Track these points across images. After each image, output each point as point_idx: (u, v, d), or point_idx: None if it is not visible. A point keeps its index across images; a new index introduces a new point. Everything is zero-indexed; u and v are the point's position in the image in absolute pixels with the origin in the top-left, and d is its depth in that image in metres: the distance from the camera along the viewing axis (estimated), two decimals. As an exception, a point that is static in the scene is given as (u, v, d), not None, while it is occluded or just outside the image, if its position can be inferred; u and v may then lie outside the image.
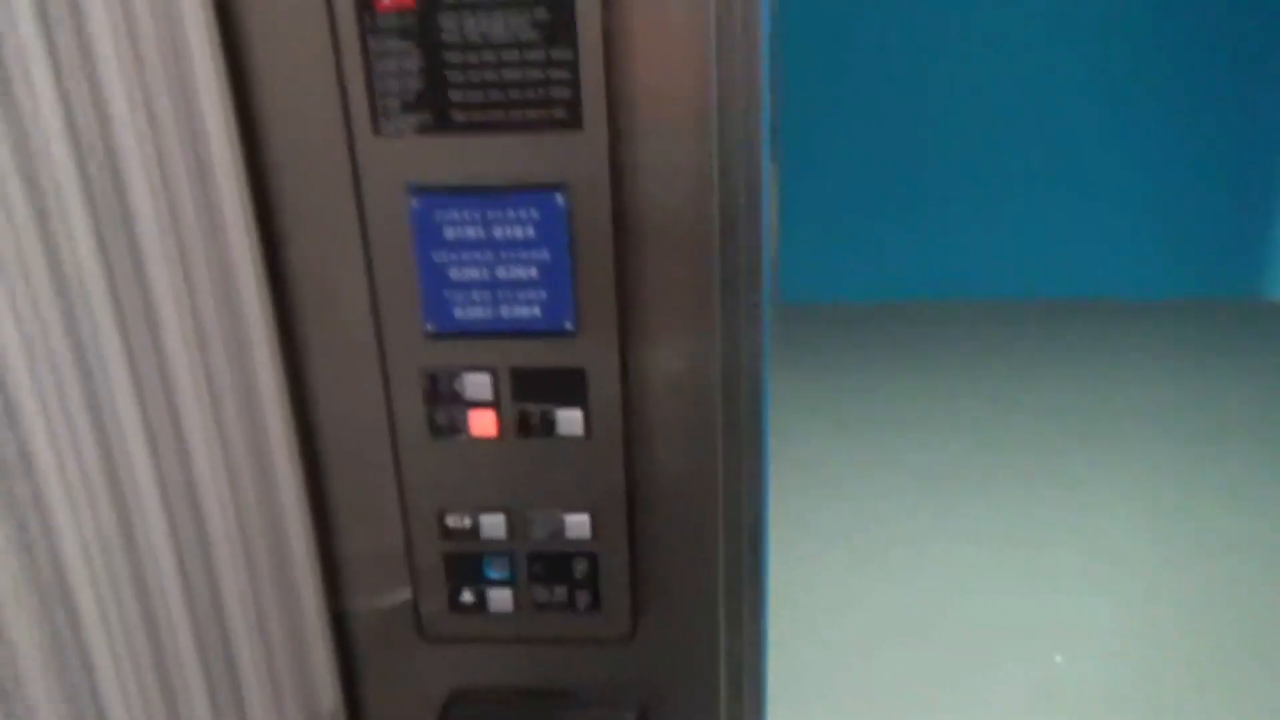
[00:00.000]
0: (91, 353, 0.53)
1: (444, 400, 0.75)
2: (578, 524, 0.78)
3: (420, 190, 0.68)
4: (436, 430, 0.75)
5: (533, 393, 0.74)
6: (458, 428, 0.75)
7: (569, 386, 0.74)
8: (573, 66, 0.65)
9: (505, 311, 0.72)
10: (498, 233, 0.69)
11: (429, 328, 0.72)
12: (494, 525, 0.78)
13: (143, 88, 0.58)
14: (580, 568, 0.79)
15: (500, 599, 0.80)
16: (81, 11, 0.51)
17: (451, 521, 0.78)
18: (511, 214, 0.69)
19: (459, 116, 0.67)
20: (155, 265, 0.59)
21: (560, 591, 0.79)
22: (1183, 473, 2.66)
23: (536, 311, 0.72)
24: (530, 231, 0.69)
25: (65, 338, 0.50)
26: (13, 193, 0.47)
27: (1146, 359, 3.35)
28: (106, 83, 0.54)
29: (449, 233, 0.69)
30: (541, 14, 0.64)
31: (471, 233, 0.69)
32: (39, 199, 0.49)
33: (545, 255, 0.70)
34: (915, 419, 2.99)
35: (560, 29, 0.64)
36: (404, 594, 0.82)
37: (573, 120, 0.67)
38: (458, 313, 0.72)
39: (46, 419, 0.48)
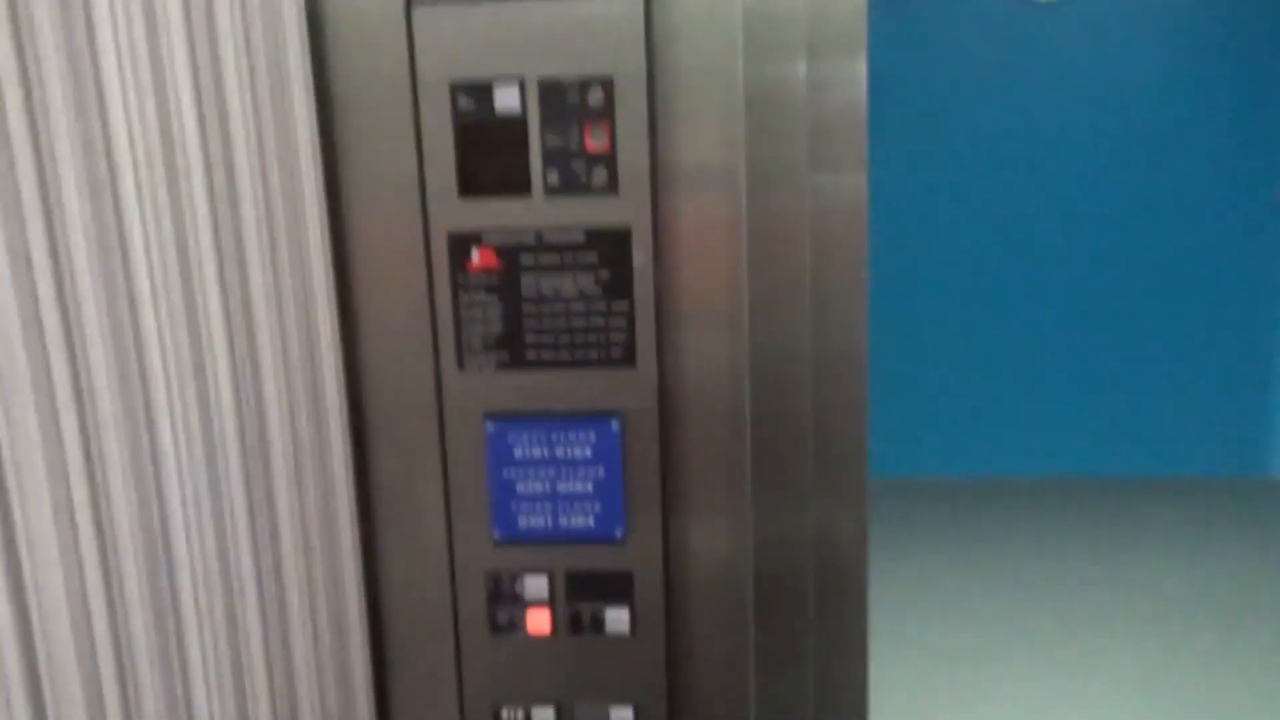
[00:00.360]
0: (232, 556, 0.63)
1: (505, 600, 0.83)
2: (622, 718, 0.84)
3: (495, 416, 0.80)
4: (497, 628, 0.83)
5: (585, 593, 0.83)
6: (516, 625, 0.83)
7: (618, 588, 0.82)
8: (628, 316, 0.78)
9: (563, 521, 0.81)
10: (560, 453, 0.80)
11: (496, 535, 0.82)
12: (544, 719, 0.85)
13: (283, 337, 0.70)
14: (623, 761, 0.85)
15: (548, 791, 0.85)
16: (250, 303, 0.65)
17: (505, 715, 0.85)
18: (573, 437, 0.80)
19: (531, 355, 0.79)
20: (280, 481, 0.70)
21: (603, 784, 0.85)
22: (1206, 653, 2.64)
23: (591, 521, 0.81)
24: (588, 452, 0.80)
25: (217, 554, 0.60)
26: (192, 423, 0.58)
27: (1172, 537, 3.38)
28: (262, 349, 0.67)
29: (518, 452, 0.80)
30: (605, 275, 0.77)
31: (538, 453, 0.80)
32: (209, 439, 0.60)
33: (600, 472, 0.80)
34: (928, 598, 3.00)
35: (619, 286, 0.77)
36: None
37: (627, 358, 0.78)
38: (522, 522, 0.81)
39: (198, 615, 0.58)
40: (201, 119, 0.64)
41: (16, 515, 0.48)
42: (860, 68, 0.75)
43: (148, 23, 0.59)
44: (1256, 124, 3.73)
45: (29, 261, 0.50)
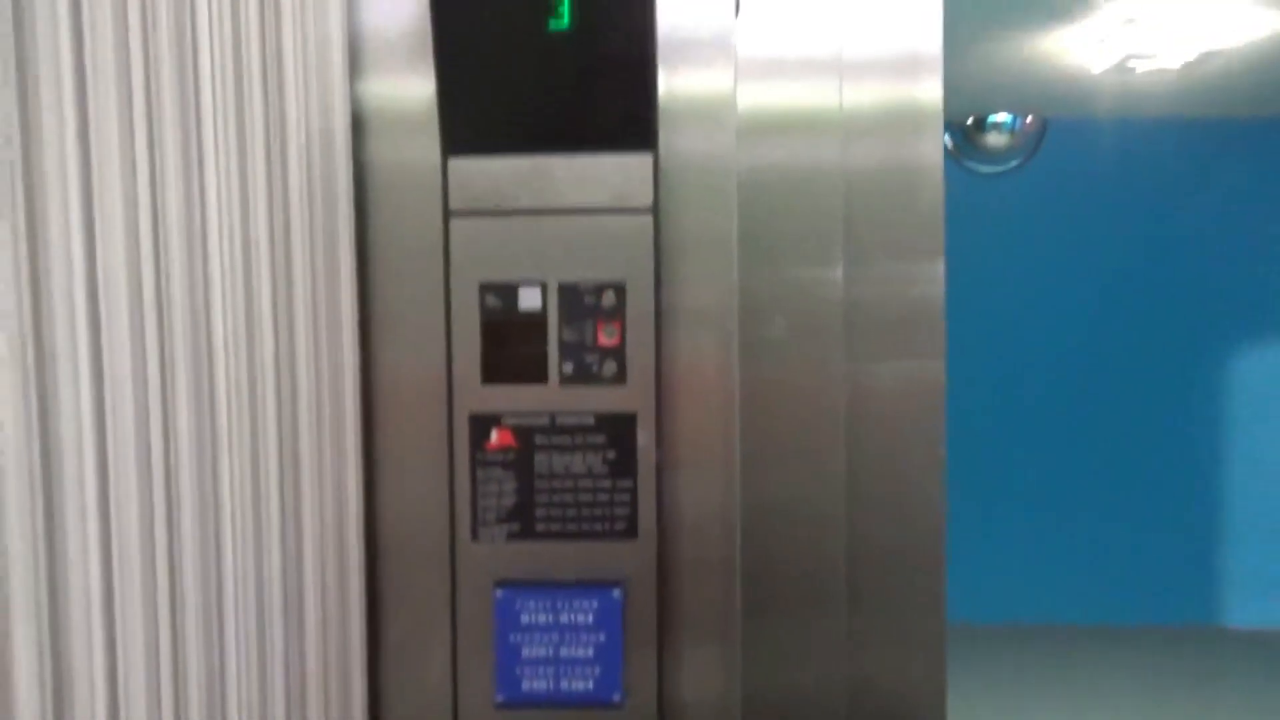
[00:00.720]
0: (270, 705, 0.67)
1: (505, 762, 0.87)
2: None
3: (505, 583, 0.85)
4: (496, 791, 0.87)
5: (582, 756, 0.87)
6: (515, 788, 0.87)
7: (613, 751, 0.86)
8: (632, 492, 0.85)
9: (564, 684, 0.86)
10: (564, 619, 0.86)
11: (499, 698, 0.86)
12: None
13: (320, 505, 0.76)
14: None
15: None
16: (300, 468, 0.72)
17: None
18: (577, 604, 0.86)
19: (541, 528, 0.85)
20: (311, 642, 0.75)
21: None
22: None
23: (590, 685, 0.86)
24: (590, 619, 0.86)
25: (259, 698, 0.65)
26: (249, 582, 0.64)
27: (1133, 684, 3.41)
28: (305, 513, 0.73)
29: (525, 618, 0.86)
30: (611, 455, 0.85)
31: (543, 619, 0.86)
32: (260, 593, 0.66)
33: (601, 638, 0.86)
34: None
35: (624, 465, 0.85)
36: None
37: (629, 531, 0.85)
38: (525, 685, 0.86)
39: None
40: (275, 307, 0.73)
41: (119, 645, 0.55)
42: (936, 267, 0.85)
43: (244, 243, 0.68)
44: (1204, 303, 4.00)
45: (150, 452, 0.57)
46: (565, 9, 0.78)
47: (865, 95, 0.85)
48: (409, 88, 0.84)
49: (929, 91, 0.84)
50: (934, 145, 0.85)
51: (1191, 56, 3.00)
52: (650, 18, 0.79)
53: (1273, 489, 4.01)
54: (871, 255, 0.85)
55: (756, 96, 0.85)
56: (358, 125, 0.83)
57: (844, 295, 0.85)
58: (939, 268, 0.85)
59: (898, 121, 0.85)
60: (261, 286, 0.72)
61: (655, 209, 0.83)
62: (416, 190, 0.84)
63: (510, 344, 0.83)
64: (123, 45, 0.63)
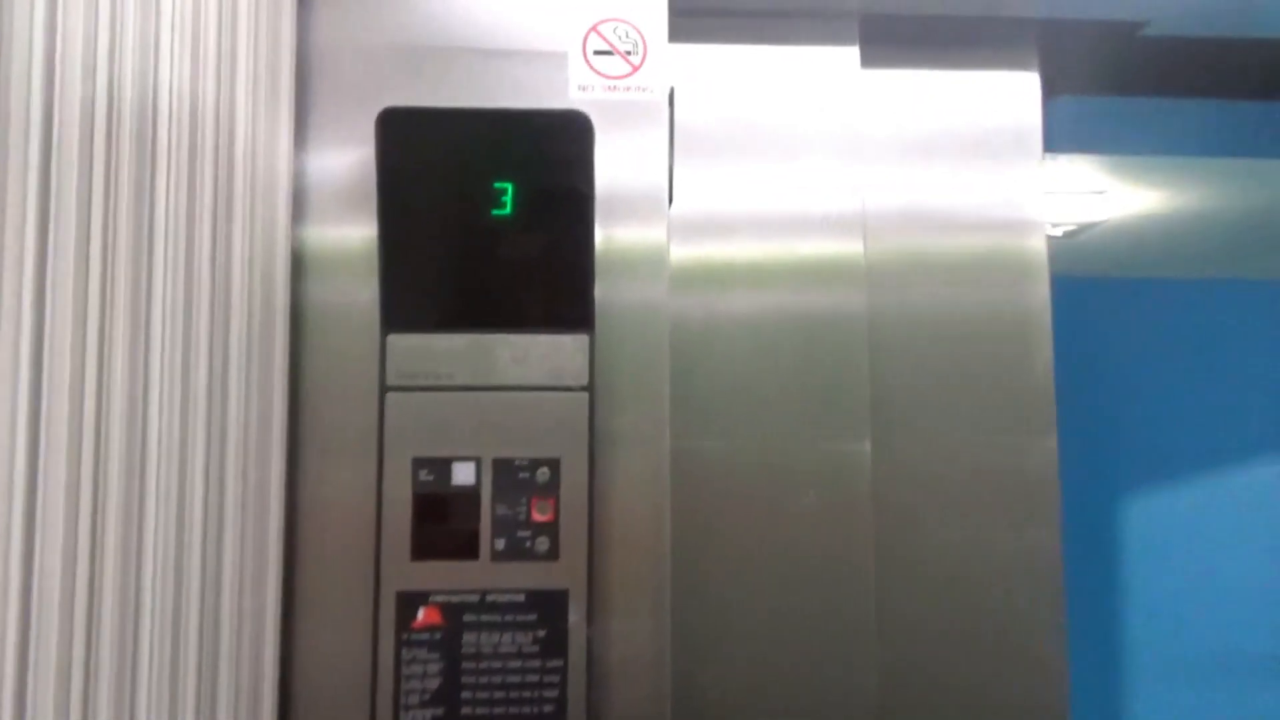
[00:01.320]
0: None
1: None
2: None
3: (427, 770, 0.82)
4: None
5: None
6: None
7: None
8: (562, 672, 0.83)
9: None
10: (488, 809, 0.82)
11: None
12: None
13: (236, 687, 0.73)
14: None
15: None
16: (217, 654, 0.68)
17: None
18: (501, 793, 0.82)
19: (466, 711, 0.82)
20: None
21: None
22: None
23: None
24: (516, 806, 0.82)
25: None
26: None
27: None
28: (221, 682, 0.69)
29: (447, 810, 0.81)
30: (541, 634, 0.83)
31: (466, 810, 0.82)
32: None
33: (527, 828, 0.82)
34: None
35: (554, 645, 0.83)
36: None
37: (558, 714, 0.83)
38: None
39: None
40: (208, 459, 0.71)
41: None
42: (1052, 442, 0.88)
43: (183, 390, 0.67)
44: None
45: (73, 607, 0.54)
46: (509, 199, 0.81)
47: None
48: (350, 235, 0.86)
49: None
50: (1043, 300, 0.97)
51: (1072, 226, 3.25)
52: (589, 208, 0.83)
53: (1169, 632, 4.13)
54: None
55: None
56: (298, 270, 0.84)
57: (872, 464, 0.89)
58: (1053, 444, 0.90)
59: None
60: (196, 434, 0.71)
61: (591, 387, 0.84)
62: (353, 361, 0.84)
63: (442, 520, 0.82)
64: (85, 184, 0.63)
